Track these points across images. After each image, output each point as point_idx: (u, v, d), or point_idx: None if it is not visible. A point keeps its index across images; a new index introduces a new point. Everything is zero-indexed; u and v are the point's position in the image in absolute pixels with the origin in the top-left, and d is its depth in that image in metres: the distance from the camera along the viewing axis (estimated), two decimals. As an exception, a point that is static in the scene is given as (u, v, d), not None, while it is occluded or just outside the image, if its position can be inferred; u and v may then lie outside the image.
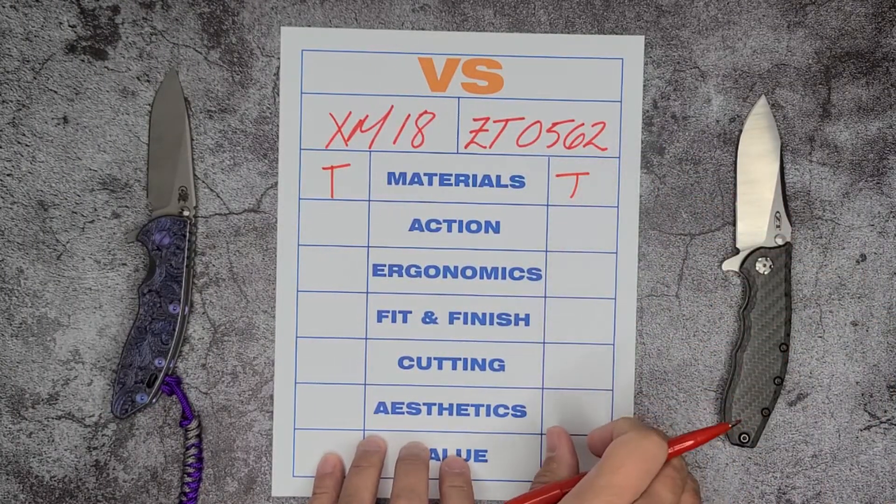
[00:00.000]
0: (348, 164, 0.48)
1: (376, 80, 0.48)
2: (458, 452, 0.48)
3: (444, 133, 0.48)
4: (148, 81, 0.48)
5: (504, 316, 0.48)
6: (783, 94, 0.48)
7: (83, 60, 0.48)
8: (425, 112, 0.48)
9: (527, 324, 0.48)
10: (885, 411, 0.48)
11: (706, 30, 0.48)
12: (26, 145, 0.48)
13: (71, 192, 0.48)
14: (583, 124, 0.48)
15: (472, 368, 0.48)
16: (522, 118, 0.48)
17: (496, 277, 0.48)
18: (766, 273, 0.47)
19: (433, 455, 0.47)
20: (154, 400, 0.47)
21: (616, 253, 0.47)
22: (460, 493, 0.44)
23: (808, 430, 0.48)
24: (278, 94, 0.48)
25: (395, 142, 0.48)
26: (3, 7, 0.48)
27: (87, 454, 0.48)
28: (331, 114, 0.48)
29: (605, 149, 0.48)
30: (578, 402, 0.47)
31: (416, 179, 0.48)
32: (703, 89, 0.48)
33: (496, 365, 0.48)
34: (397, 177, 0.48)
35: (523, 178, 0.48)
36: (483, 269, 0.48)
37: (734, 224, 0.48)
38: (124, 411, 0.47)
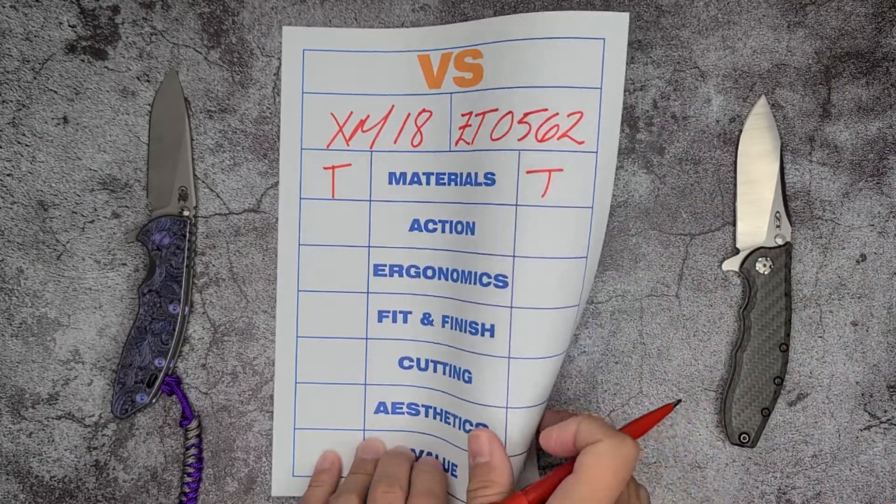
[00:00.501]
0: (349, 164, 0.47)
1: (377, 80, 0.47)
2: (445, 462, 0.46)
3: (439, 131, 0.46)
4: (148, 81, 0.48)
5: (473, 325, 0.44)
6: (783, 94, 0.48)
7: (83, 60, 0.48)
8: (423, 110, 0.47)
9: (492, 335, 0.43)
10: (885, 411, 0.48)
11: (706, 30, 0.48)
12: (26, 145, 0.48)
13: (71, 192, 0.48)
14: (557, 114, 0.41)
15: (453, 376, 0.45)
16: (496, 109, 0.43)
17: (470, 283, 0.44)
18: (766, 273, 0.47)
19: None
20: (154, 400, 0.47)
21: (586, 258, 0.42)
22: (430, 470, 0.44)
23: (808, 430, 0.48)
24: (278, 94, 0.48)
25: (395, 141, 0.47)
26: (3, 7, 0.48)
27: (87, 454, 0.48)
28: (332, 114, 0.47)
29: (582, 142, 0.41)
30: (530, 420, 0.43)
31: (415, 179, 0.47)
32: (703, 89, 0.48)
33: (466, 376, 0.44)
34: (398, 177, 0.47)
35: (494, 175, 0.43)
36: (463, 272, 0.45)
37: (734, 224, 0.48)
38: (124, 411, 0.47)
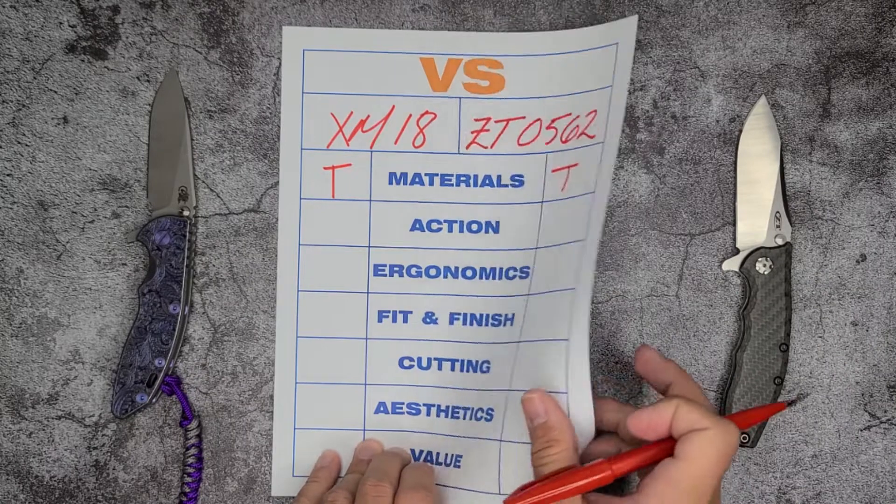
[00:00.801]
0: (349, 164, 0.47)
1: (378, 81, 0.47)
2: (448, 457, 0.46)
3: (446, 133, 0.47)
4: (148, 81, 0.48)
5: (496, 317, 0.46)
6: (783, 94, 0.48)
7: (83, 60, 0.48)
8: (426, 112, 0.47)
9: (511, 323, 0.45)
10: (885, 411, 0.48)
11: (706, 30, 0.48)
12: (26, 145, 0.48)
13: (71, 192, 0.48)
14: (578, 116, 0.45)
15: (466, 370, 0.47)
16: (523, 117, 0.47)
17: (494, 278, 0.47)
18: (766, 273, 0.47)
19: (428, 458, 0.47)
20: (154, 400, 0.47)
21: (585, 241, 0.42)
22: (420, 467, 0.44)
23: (808, 430, 0.48)
24: (278, 94, 0.48)
25: (396, 142, 0.47)
26: (3, 7, 0.48)
27: (87, 454, 0.48)
28: (332, 114, 0.47)
29: (594, 136, 0.44)
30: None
31: (417, 180, 0.47)
32: (703, 89, 0.48)
33: (484, 367, 0.46)
34: (398, 177, 0.47)
35: (523, 177, 0.47)
36: (483, 269, 0.47)
37: (734, 224, 0.48)
38: (124, 411, 0.47)
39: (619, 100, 0.44)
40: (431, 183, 0.47)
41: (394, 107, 0.47)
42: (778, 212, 0.47)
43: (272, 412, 0.48)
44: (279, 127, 0.48)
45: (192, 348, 0.48)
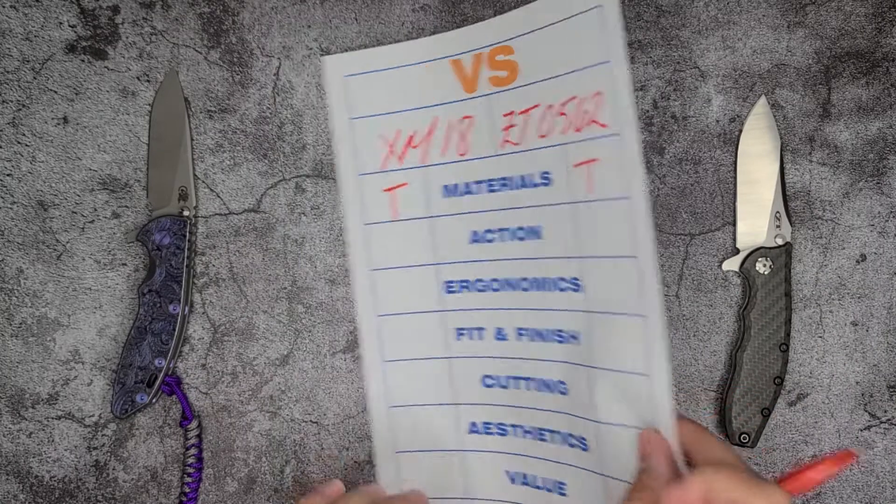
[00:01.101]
0: (406, 184, 0.45)
1: (416, 94, 0.45)
2: (547, 482, 0.43)
3: (484, 135, 0.45)
4: (148, 81, 0.48)
5: (560, 333, 0.42)
6: (783, 94, 0.48)
7: (83, 60, 0.48)
8: (465, 117, 0.45)
9: (577, 342, 0.41)
10: (885, 411, 0.48)
11: (706, 30, 0.48)
12: (26, 145, 0.48)
13: (71, 192, 0.48)
14: (585, 99, 0.40)
15: (544, 390, 0.43)
16: (537, 105, 0.42)
17: (546, 289, 0.43)
18: (766, 273, 0.47)
19: (524, 482, 0.44)
20: (154, 400, 0.47)
21: (637, 258, 0.39)
22: None
23: (808, 430, 0.48)
24: (278, 94, 0.48)
25: (444, 152, 0.45)
26: (3, 7, 0.48)
27: (87, 454, 0.48)
28: (381, 135, 0.46)
29: (606, 125, 0.39)
30: (632, 442, 0.39)
31: (467, 189, 0.45)
32: (703, 89, 0.48)
33: (562, 388, 0.42)
34: (451, 188, 0.45)
35: (549, 174, 0.42)
36: (535, 280, 0.43)
37: (734, 224, 0.48)
38: (124, 411, 0.47)
39: (621, 78, 0.38)
40: (479, 191, 0.45)
41: (436, 118, 0.45)
42: (778, 212, 0.47)
43: (273, 412, 0.48)
44: (279, 127, 0.48)
45: (192, 348, 0.48)
